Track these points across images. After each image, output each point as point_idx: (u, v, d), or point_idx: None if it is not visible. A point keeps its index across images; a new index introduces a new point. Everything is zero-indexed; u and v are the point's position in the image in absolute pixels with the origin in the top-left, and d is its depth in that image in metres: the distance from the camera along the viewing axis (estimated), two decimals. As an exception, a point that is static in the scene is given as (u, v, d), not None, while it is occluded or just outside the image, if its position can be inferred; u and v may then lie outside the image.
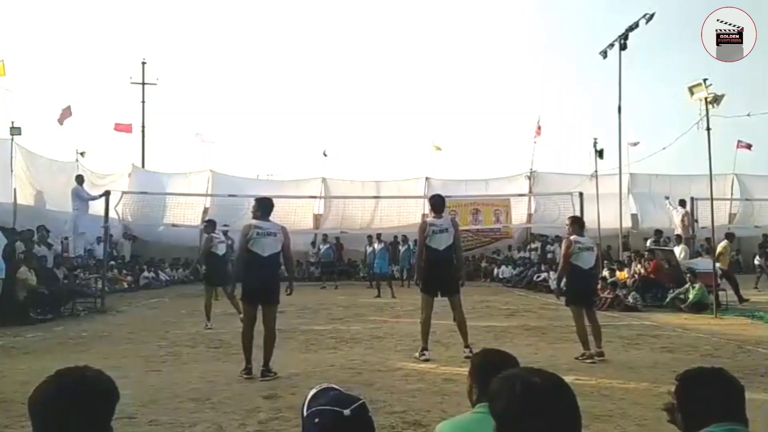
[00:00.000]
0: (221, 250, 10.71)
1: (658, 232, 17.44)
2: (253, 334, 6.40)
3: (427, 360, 7.07)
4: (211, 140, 24.37)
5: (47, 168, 18.76)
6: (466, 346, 7.22)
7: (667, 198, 17.78)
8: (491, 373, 1.67)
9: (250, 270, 6.35)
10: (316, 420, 1.40)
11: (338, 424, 1.38)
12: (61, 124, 17.99)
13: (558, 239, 20.76)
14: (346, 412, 1.39)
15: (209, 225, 11.10)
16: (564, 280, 7.50)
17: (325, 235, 20.82)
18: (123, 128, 23.20)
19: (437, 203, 7.71)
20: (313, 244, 21.71)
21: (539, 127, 23.32)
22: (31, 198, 17.45)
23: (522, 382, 1.42)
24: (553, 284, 16.61)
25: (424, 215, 22.59)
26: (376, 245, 17.05)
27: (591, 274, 7.27)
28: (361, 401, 1.44)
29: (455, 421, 2.18)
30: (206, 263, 10.77)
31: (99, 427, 1.52)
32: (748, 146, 22.62)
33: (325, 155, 23.44)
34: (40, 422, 1.51)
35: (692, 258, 14.73)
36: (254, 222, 6.52)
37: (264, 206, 6.63)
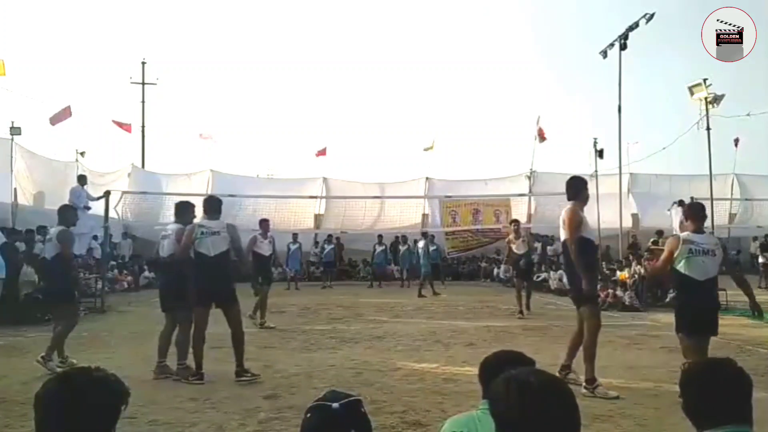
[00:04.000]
0: (266, 251, 10.63)
1: (659, 233, 17.43)
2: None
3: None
4: (210, 136, 24.34)
5: (47, 168, 18.77)
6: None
7: (677, 203, 17.35)
8: (497, 372, 1.68)
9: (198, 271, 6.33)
10: (308, 415, 1.47)
11: (327, 417, 1.43)
12: (53, 124, 17.71)
13: (547, 239, 20.76)
14: (335, 405, 1.44)
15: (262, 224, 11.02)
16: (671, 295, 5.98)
17: (330, 236, 20.83)
18: (121, 126, 23.16)
19: (567, 191, 6.11)
20: (316, 244, 21.70)
21: (541, 130, 23.21)
22: (31, 198, 17.46)
23: (518, 383, 1.42)
24: (554, 284, 16.67)
25: (424, 215, 22.81)
26: (420, 244, 17.06)
27: (709, 289, 5.12)
28: (353, 397, 1.47)
29: (457, 418, 2.19)
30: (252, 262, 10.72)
31: (99, 429, 1.52)
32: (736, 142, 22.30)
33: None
34: (41, 419, 1.52)
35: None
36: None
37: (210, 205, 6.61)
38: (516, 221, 13.22)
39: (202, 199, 7.13)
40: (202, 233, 6.28)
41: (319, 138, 56.27)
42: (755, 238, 21.78)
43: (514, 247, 12.09)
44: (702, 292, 5.06)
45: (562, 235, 5.85)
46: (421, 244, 16.96)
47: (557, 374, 5.62)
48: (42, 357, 6.53)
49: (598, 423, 4.58)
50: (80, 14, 48.34)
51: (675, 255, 5.08)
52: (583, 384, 5.47)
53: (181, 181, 22.29)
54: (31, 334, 9.15)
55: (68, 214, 7.22)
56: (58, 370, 6.24)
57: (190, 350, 6.41)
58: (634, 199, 22.41)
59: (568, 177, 6.26)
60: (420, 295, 15.54)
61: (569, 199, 5.97)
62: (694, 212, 5.36)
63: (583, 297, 5.74)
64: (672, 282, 5.42)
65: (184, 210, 6.90)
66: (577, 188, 6.01)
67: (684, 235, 5.17)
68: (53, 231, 7.12)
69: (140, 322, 10.91)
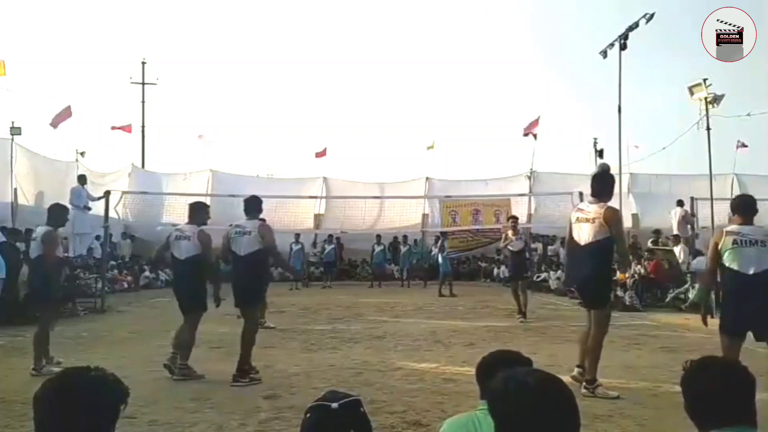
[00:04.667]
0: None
1: (657, 232, 17.47)
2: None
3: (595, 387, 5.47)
4: (211, 140, 24.38)
5: (47, 168, 18.77)
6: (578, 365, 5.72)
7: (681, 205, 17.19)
8: (494, 372, 1.68)
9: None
10: (308, 415, 1.48)
11: (325, 417, 1.45)
12: (55, 127, 17.63)
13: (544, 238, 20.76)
14: (334, 405, 1.45)
15: None
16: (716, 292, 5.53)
17: (330, 236, 20.85)
18: (120, 128, 23.14)
19: (598, 187, 5.67)
20: (314, 244, 21.69)
21: (533, 127, 23.17)
22: (31, 198, 17.46)
23: (517, 383, 1.42)
24: (554, 284, 16.63)
25: (424, 215, 22.80)
26: (438, 244, 17.21)
27: (761, 285, 4.58)
28: (352, 397, 1.48)
29: (455, 419, 2.19)
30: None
31: (98, 429, 1.52)
32: (744, 145, 22.32)
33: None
34: (40, 419, 1.52)
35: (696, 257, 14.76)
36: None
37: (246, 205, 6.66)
38: (514, 217, 13.04)
39: (205, 199, 7.15)
40: (236, 233, 6.40)
41: (319, 138, 56.28)
42: None
43: (510, 245, 11.78)
44: (752, 288, 4.54)
45: (590, 233, 5.42)
46: (439, 244, 17.07)
47: (575, 375, 5.62)
48: (33, 369, 6.48)
49: (598, 423, 4.58)
50: (80, 14, 48.39)
51: (719, 248, 4.67)
52: (584, 384, 5.44)
53: (181, 181, 22.29)
54: (31, 334, 9.15)
55: (58, 214, 7.05)
56: (56, 369, 6.24)
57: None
58: (634, 199, 22.42)
59: (601, 172, 5.88)
60: (440, 295, 15.66)
61: (599, 195, 5.59)
62: (742, 205, 4.89)
63: (597, 300, 5.63)
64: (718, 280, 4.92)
65: (198, 210, 6.86)
66: (613, 186, 5.77)
67: (729, 227, 4.79)
68: (39, 230, 6.94)
69: (140, 322, 10.92)
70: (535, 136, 22.93)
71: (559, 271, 16.96)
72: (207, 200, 21.37)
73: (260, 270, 6.53)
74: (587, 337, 5.65)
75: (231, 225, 6.72)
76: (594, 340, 5.54)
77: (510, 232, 11.84)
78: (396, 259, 21.41)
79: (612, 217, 5.42)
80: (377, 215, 22.19)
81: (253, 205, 6.60)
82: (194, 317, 6.50)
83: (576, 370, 5.70)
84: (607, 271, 5.63)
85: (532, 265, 16.77)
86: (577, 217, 5.61)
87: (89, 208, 15.91)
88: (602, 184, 5.67)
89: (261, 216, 6.75)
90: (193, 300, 6.47)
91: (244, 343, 6.19)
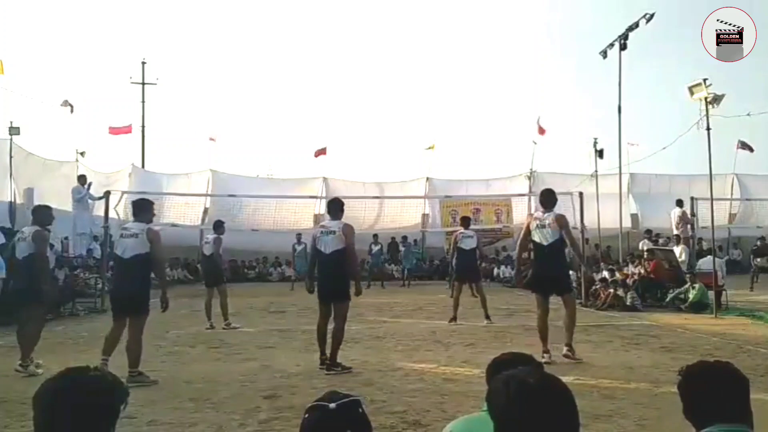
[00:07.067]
0: (207, 250, 10.73)
1: (649, 232, 17.53)
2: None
3: (548, 363, 6.40)
4: (213, 138, 24.31)
5: (41, 166, 18.74)
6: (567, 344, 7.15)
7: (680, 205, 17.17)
8: (498, 372, 1.68)
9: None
10: (306, 416, 1.49)
11: (324, 417, 1.45)
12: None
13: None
14: (332, 405, 1.45)
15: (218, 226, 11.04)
16: None
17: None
18: (119, 131, 23.11)
19: (546, 200, 7.33)
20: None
21: (541, 128, 23.18)
22: (22, 195, 17.41)
23: (517, 383, 1.42)
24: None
25: (424, 215, 22.79)
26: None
27: None
28: (351, 398, 1.49)
29: (460, 421, 2.19)
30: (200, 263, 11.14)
31: (97, 429, 1.51)
32: (749, 148, 22.33)
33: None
34: (39, 419, 1.52)
35: (698, 258, 14.80)
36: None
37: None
38: (466, 218, 12.75)
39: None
40: (321, 232, 6.86)
41: (319, 138, 56.05)
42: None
43: (461, 244, 11.09)
44: None
45: (551, 234, 7.00)
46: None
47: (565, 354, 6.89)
48: (20, 365, 6.41)
49: (597, 423, 4.58)
50: (80, 13, 48.38)
51: None
52: (566, 349, 7.02)
53: (181, 181, 22.30)
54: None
55: (43, 214, 7.05)
56: (39, 371, 6.22)
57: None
58: (634, 199, 22.41)
59: (546, 189, 7.68)
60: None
61: (546, 206, 7.21)
62: None
63: (569, 284, 7.55)
64: None
65: (143, 208, 6.58)
66: (556, 200, 7.31)
67: None
68: (27, 230, 6.85)
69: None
70: (542, 132, 23.02)
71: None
72: (207, 200, 21.72)
73: (343, 267, 6.68)
74: (545, 323, 7.21)
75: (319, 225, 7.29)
76: (571, 318, 7.16)
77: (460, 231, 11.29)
78: (396, 259, 21.43)
79: (563, 221, 7.11)
80: (377, 215, 22.19)
81: (333, 207, 7.06)
82: (139, 322, 6.13)
83: (546, 357, 6.78)
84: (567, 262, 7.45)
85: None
86: (536, 224, 7.11)
87: (93, 199, 15.98)
88: (549, 197, 7.30)
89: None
90: (136, 302, 6.09)
91: (334, 338, 6.63)
